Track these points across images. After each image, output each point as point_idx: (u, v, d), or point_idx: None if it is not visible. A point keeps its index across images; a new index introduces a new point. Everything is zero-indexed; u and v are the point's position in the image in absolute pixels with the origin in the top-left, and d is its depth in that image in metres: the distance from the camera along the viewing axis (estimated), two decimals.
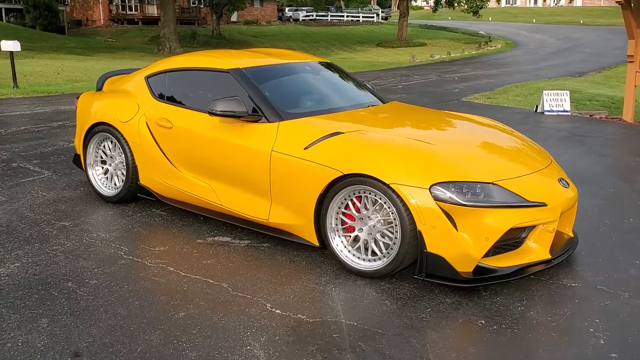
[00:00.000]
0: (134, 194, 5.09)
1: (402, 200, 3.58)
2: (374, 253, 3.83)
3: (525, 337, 3.14)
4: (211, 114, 4.29)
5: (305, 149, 4.02)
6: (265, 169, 4.17)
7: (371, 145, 3.86)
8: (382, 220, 3.76)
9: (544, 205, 3.70)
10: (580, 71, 23.27)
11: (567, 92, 11.96)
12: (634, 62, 10.75)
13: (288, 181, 4.08)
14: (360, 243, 3.87)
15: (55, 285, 3.65)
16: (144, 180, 4.98)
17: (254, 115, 4.32)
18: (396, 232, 3.67)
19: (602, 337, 3.14)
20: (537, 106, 11.94)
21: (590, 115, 11.63)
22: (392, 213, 3.66)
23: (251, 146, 4.25)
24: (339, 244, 3.95)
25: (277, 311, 3.38)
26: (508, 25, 57.67)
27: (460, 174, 3.63)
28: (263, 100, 4.39)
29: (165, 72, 5.03)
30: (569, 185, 3.99)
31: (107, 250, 4.20)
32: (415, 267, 3.67)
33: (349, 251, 3.92)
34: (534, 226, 3.71)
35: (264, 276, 3.83)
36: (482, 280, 3.58)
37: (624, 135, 9.39)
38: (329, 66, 5.35)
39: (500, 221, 3.56)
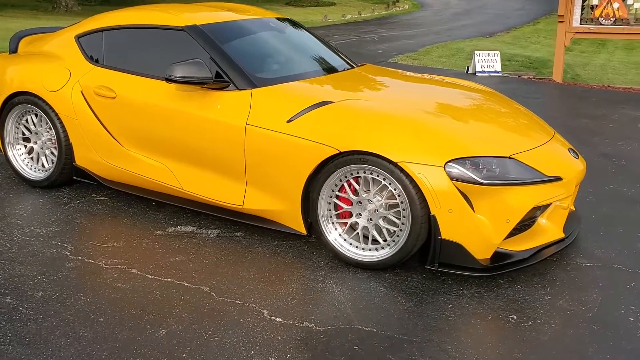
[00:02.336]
0: (68, 177, 4.28)
1: (412, 181, 3.09)
2: (375, 241, 3.33)
3: (567, 333, 2.78)
4: (169, 80, 3.56)
5: (288, 122, 3.41)
6: (239, 147, 3.53)
7: (371, 117, 3.32)
8: (384, 204, 3.26)
9: (560, 179, 3.33)
10: (490, 32, 23.60)
11: (498, 52, 11.89)
12: (564, 22, 10.75)
13: (268, 161, 3.47)
14: (359, 230, 3.35)
15: None
16: (81, 160, 4.17)
17: (220, 82, 3.64)
18: (403, 217, 3.18)
19: None
20: (468, 67, 11.80)
21: (519, 76, 11.64)
22: (399, 196, 3.16)
23: (219, 119, 3.58)
24: (332, 232, 3.42)
25: (278, 319, 2.82)
26: None
27: (474, 149, 3.18)
28: (229, 64, 3.70)
29: (102, 30, 4.19)
30: (578, 156, 3.65)
31: (48, 250, 3.43)
32: (426, 257, 3.22)
33: (345, 240, 3.40)
34: (549, 204, 3.35)
35: (248, 274, 3.24)
36: (502, 267, 3.19)
37: (562, 96, 9.38)
38: (293, 24, 4.69)
39: (522, 200, 3.16)
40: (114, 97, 3.93)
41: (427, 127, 3.28)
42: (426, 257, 3.22)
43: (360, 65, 4.50)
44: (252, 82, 3.64)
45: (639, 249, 3.70)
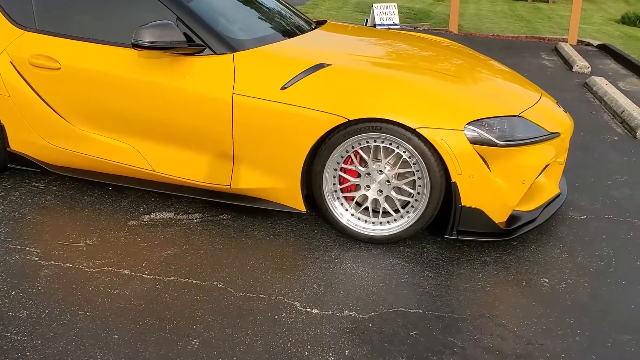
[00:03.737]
0: (2, 166, 3.60)
1: (432, 147, 2.90)
2: (386, 214, 3.12)
3: (602, 292, 2.78)
4: (137, 46, 3.04)
5: (282, 89, 3.06)
6: (225, 120, 3.12)
7: (379, 80, 3.06)
8: (396, 174, 3.05)
9: (559, 135, 3.30)
10: None
11: (395, 5, 11.89)
12: None
13: (262, 134, 3.10)
14: (369, 204, 3.12)
15: None
16: (17, 144, 3.51)
17: (195, 46, 3.17)
18: (419, 186, 3.00)
19: None
20: (366, 20, 11.70)
21: (415, 28, 11.78)
22: (414, 164, 2.96)
23: (198, 89, 3.14)
24: (338, 207, 3.16)
25: (315, 311, 2.55)
26: None
27: (487, 109, 3.04)
28: (202, 25, 3.23)
29: None
30: (565, 110, 3.65)
31: (9, 257, 2.84)
32: (441, 226, 3.07)
33: (353, 215, 3.16)
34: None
35: (257, 262, 2.91)
36: (518, 229, 3.13)
37: (470, 46, 9.54)
38: None
39: (535, 159, 3.10)
40: (59, 69, 3.31)
41: (438, 89, 3.09)
42: (440, 227, 3.07)
43: (324, 24, 4.18)
44: (232, 45, 3.21)
45: (616, 197, 3.83)
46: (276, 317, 2.50)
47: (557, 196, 3.46)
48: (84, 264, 2.81)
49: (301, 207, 3.19)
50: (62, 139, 3.43)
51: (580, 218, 3.51)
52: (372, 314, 2.55)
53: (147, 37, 3.02)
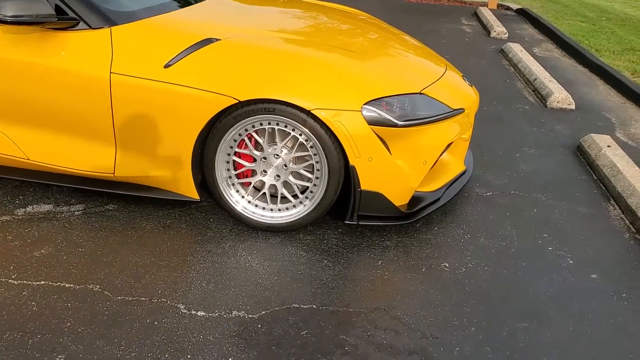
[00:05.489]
0: None
1: (328, 130, 2.71)
2: (284, 200, 2.94)
3: (502, 274, 2.72)
4: None
5: (166, 66, 2.78)
6: (103, 102, 2.82)
7: (272, 57, 2.82)
8: (294, 158, 2.87)
9: (463, 111, 3.19)
10: None
11: None
12: None
13: (145, 117, 2.83)
14: (266, 190, 2.93)
15: None
16: None
17: (67, 20, 2.83)
18: (318, 170, 2.83)
19: (567, 257, 2.89)
20: None
21: None
22: (312, 147, 2.78)
23: (72, 68, 2.81)
24: (233, 194, 2.95)
25: (200, 313, 2.36)
26: None
27: (387, 87, 2.87)
28: None
29: None
30: (471, 84, 3.54)
31: None
32: (341, 211, 2.92)
33: (250, 202, 2.96)
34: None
35: (142, 259, 2.67)
36: (420, 211, 3.02)
37: (385, 11, 9.39)
38: None
39: (437, 138, 2.98)
40: None
41: (338, 67, 2.88)
42: (340, 212, 2.92)
43: None
44: (109, 18, 2.89)
45: (524, 170, 3.79)
46: (156, 323, 2.29)
47: (463, 173, 3.37)
48: None
49: (194, 194, 2.96)
50: None
51: (486, 195, 3.45)
52: (263, 312, 2.38)
53: (8, 11, 2.65)
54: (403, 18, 8.82)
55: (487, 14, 9.07)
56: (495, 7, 10.34)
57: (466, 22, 8.90)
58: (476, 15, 9.38)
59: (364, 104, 2.74)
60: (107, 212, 3.03)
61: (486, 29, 8.31)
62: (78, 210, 3.03)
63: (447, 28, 8.29)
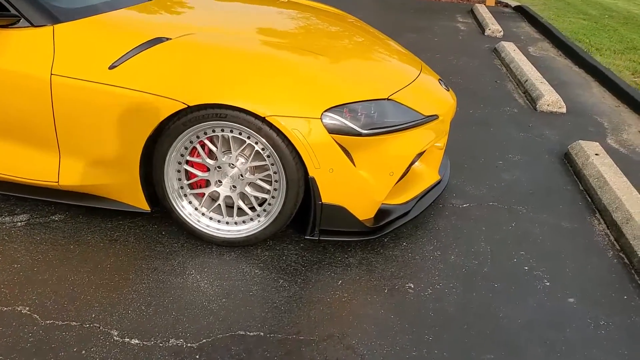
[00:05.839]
0: None
1: (285, 139, 2.50)
2: (241, 212, 2.73)
3: (471, 299, 2.50)
4: None
5: (111, 68, 2.56)
6: (44, 106, 2.62)
7: (225, 59, 2.60)
8: (250, 168, 2.65)
9: (437, 117, 2.97)
10: None
11: None
12: None
13: (88, 122, 2.62)
14: (221, 201, 2.72)
15: None
16: None
17: (7, 17, 2.62)
18: (276, 181, 2.61)
19: (544, 277, 2.67)
20: None
21: None
22: (268, 157, 2.57)
23: (10, 68, 2.61)
24: (186, 206, 2.74)
25: (134, 341, 2.15)
26: None
27: (350, 93, 2.65)
28: None
29: None
30: (448, 88, 3.31)
31: None
32: (303, 225, 2.71)
33: (203, 214, 2.75)
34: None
35: (80, 278, 2.46)
36: (387, 226, 2.81)
37: (379, 8, 9.15)
38: None
39: (406, 148, 2.76)
40: None
41: (294, 69, 2.66)
42: (304, 226, 2.71)
43: None
44: (53, 15, 2.67)
45: (506, 180, 3.58)
46: (83, 352, 2.08)
47: (437, 183, 3.16)
48: None
49: (144, 205, 2.75)
50: None
51: (462, 207, 3.23)
52: (204, 341, 2.17)
53: None
54: (396, 15, 8.59)
55: (483, 11, 8.82)
56: (493, 4, 10.09)
57: (461, 20, 8.66)
58: (472, 13, 9.14)
59: (325, 111, 2.52)
60: (51, 223, 2.83)
61: (481, 27, 8.07)
62: (21, 221, 2.82)
63: (440, 26, 8.06)
